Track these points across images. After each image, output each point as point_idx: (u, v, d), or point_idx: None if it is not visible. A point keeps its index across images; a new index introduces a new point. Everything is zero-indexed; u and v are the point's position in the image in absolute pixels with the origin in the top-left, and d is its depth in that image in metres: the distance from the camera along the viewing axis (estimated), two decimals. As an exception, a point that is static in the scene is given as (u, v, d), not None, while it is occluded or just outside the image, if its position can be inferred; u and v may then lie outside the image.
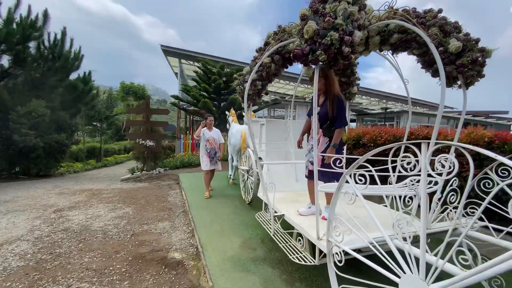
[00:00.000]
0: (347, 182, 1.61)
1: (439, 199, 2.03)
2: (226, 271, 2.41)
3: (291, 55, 1.80)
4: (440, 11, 2.20)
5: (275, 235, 2.66)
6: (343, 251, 1.66)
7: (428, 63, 2.34)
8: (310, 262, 2.09)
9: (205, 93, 10.13)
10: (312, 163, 2.59)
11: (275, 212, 2.68)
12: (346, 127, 2.75)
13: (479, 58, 2.14)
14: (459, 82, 2.30)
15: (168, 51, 12.72)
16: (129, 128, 8.43)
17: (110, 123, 19.58)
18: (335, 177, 2.43)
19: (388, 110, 12.90)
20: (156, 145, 7.83)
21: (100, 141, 14.93)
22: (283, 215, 2.66)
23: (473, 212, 2.21)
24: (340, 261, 1.65)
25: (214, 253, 2.73)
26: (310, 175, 2.64)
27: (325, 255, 2.06)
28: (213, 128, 5.01)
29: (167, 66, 15.72)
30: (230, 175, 6.52)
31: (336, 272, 1.71)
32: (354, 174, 1.57)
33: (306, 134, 2.94)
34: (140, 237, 3.29)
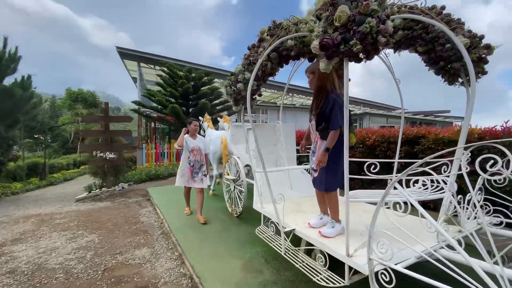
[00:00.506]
0: (395, 188, 1.39)
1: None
2: (237, 304, 2.02)
3: (319, 45, 1.54)
4: (443, 7, 2.16)
5: (287, 254, 2.34)
6: (391, 269, 1.43)
7: (434, 61, 2.28)
8: (339, 283, 1.83)
9: (171, 98, 9.42)
10: (315, 170, 2.36)
11: (284, 227, 2.37)
12: (353, 127, 2.56)
13: (484, 55, 2.13)
14: (460, 80, 2.30)
15: (125, 54, 11.63)
16: (79, 139, 7.35)
17: (56, 135, 17.24)
18: (333, 184, 2.23)
19: (352, 113, 13.67)
20: (118, 157, 6.93)
21: (43, 156, 12.92)
22: (294, 229, 2.37)
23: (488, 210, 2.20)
24: (389, 282, 1.42)
25: (214, 284, 2.31)
26: (314, 183, 2.40)
27: (355, 273, 1.83)
28: (197, 135, 4.21)
29: (119, 71, 14.47)
30: (209, 185, 6.03)
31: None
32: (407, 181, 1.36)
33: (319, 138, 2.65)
34: (116, 271, 2.68)
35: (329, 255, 1.97)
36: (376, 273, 1.52)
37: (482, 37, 2.15)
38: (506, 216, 2.00)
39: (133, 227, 3.99)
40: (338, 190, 2.33)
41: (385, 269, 1.46)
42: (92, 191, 6.67)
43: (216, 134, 5.46)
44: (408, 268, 1.43)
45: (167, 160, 11.17)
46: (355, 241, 2.05)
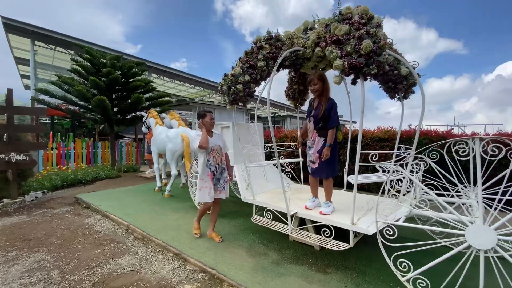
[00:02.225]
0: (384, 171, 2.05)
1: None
2: (266, 281, 2.29)
3: (349, 65, 2.03)
4: (391, 43, 3.07)
5: (293, 233, 2.76)
6: (393, 224, 2.09)
7: (385, 82, 3.16)
8: (346, 246, 2.40)
9: (94, 90, 8.02)
10: (312, 162, 2.89)
11: (291, 212, 2.77)
12: (341, 127, 3.17)
13: (415, 82, 3.14)
14: (397, 96, 3.29)
15: (14, 27, 8.93)
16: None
17: None
18: (332, 172, 2.85)
19: (276, 115, 15.23)
20: (29, 159, 5.49)
21: None
22: (296, 212, 2.81)
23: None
24: (393, 235, 2.07)
25: (234, 271, 2.48)
26: (315, 173, 2.91)
27: (355, 237, 2.44)
28: (213, 131, 3.22)
29: None
30: (159, 187, 5.68)
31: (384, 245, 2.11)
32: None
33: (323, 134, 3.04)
34: (111, 283, 2.41)
35: (333, 227, 2.51)
36: (381, 231, 2.15)
37: (414, 67, 3.16)
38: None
39: (91, 238, 3.45)
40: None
41: (389, 226, 2.10)
42: (-12, 205, 5.04)
43: (174, 131, 5.22)
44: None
45: (73, 163, 9.23)
46: (348, 214, 2.69)
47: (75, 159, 9.10)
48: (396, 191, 3.20)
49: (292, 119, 15.68)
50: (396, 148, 3.30)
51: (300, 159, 4.28)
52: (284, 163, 4.31)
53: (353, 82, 2.23)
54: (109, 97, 8.27)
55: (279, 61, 2.70)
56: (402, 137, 4.22)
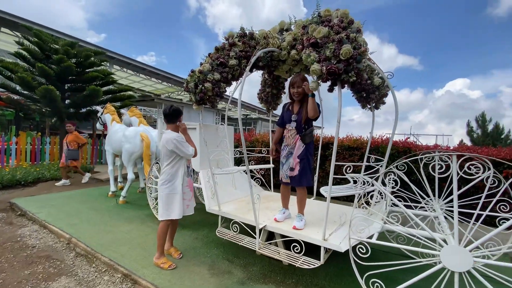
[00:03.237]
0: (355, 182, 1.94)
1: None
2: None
3: (327, 70, 1.87)
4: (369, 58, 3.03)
5: (261, 249, 2.53)
6: (366, 242, 1.97)
7: (358, 91, 3.11)
8: (317, 264, 2.24)
9: (42, 78, 7.02)
10: (291, 169, 2.70)
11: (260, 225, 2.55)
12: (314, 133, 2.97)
13: (387, 93, 3.13)
14: (368, 106, 3.27)
15: None
16: None
17: None
18: (308, 181, 2.69)
19: (248, 117, 14.98)
20: None
21: None
22: (265, 226, 2.59)
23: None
24: (365, 253, 1.95)
25: (192, 294, 2.17)
26: (293, 181, 2.72)
27: (325, 252, 2.30)
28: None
29: None
30: (114, 191, 5.10)
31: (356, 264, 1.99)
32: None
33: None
34: (37, 317, 1.95)
35: (304, 242, 2.34)
36: (354, 248, 2.02)
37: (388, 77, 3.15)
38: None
39: (21, 255, 2.87)
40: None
41: (361, 244, 1.98)
42: None
43: (133, 130, 4.70)
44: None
45: (14, 160, 8.01)
46: (319, 227, 2.55)
47: (17, 156, 7.89)
48: (365, 201, 3.18)
49: (264, 122, 15.61)
50: (365, 158, 3.27)
51: (271, 165, 4.10)
52: (254, 169, 4.09)
53: (330, 89, 2.09)
54: (61, 88, 7.33)
55: (252, 60, 2.48)
56: (371, 146, 4.27)
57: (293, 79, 2.74)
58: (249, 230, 2.71)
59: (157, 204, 3.95)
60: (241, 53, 2.72)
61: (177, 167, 2.66)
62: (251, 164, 4.22)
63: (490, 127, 15.71)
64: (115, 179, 5.35)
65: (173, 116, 2.67)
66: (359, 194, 2.28)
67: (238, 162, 5.36)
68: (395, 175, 2.65)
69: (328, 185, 2.55)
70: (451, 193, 2.25)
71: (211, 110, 14.02)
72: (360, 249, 1.98)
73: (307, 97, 2.52)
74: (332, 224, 2.48)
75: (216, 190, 3.01)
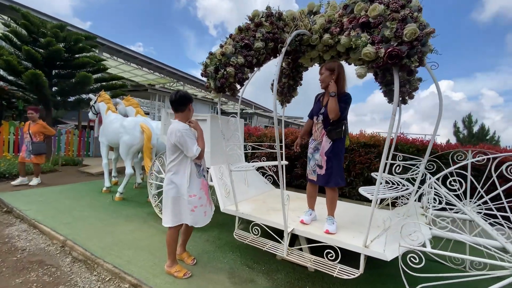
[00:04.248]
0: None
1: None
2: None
3: (388, 54, 1.60)
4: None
5: (288, 255, 2.26)
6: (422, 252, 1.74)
7: (387, 83, 2.88)
8: (354, 274, 2.00)
9: (28, 62, 6.41)
10: (319, 167, 2.44)
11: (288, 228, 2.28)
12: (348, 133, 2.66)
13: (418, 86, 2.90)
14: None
15: None
16: None
17: None
18: (341, 180, 2.43)
19: (244, 111, 14.62)
20: None
21: None
22: (293, 229, 2.33)
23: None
24: (419, 263, 1.72)
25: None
26: (320, 180, 2.46)
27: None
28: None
29: None
30: (108, 187, 4.71)
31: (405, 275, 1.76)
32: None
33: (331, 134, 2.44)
34: None
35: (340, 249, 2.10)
36: (403, 257, 1.80)
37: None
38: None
39: (11, 259, 2.48)
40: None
41: (414, 253, 1.76)
42: None
43: (132, 121, 4.29)
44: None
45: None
46: (353, 231, 2.31)
47: (-1, 148, 7.27)
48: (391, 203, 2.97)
49: (260, 117, 15.33)
50: (390, 156, 3.04)
51: (284, 162, 3.83)
52: (266, 166, 3.80)
53: (382, 77, 1.82)
54: (48, 74, 6.74)
55: (288, 40, 2.18)
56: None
57: (324, 65, 2.48)
58: (271, 233, 2.43)
59: (160, 202, 3.62)
60: (269, 35, 2.41)
61: (184, 165, 2.22)
62: (262, 161, 3.94)
63: (476, 128, 16.14)
64: (110, 173, 4.93)
65: (180, 103, 2.26)
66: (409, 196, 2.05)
67: (247, 158, 5.06)
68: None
69: (365, 186, 2.33)
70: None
71: (206, 103, 13.55)
72: (412, 258, 1.75)
73: (341, 92, 2.27)
74: (375, 229, 2.21)
75: (233, 189, 2.72)
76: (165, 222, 2.23)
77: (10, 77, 6.47)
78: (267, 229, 2.48)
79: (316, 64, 3.08)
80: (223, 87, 2.44)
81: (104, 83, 7.98)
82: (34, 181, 5.09)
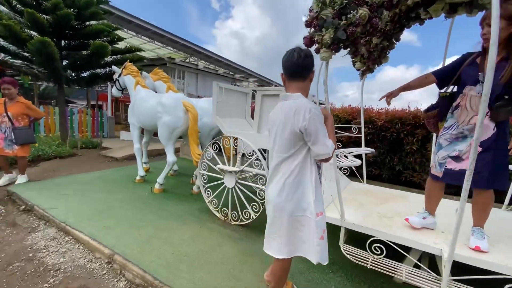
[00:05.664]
0: None
1: None
2: None
3: None
4: None
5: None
6: None
7: None
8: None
9: (32, 31, 5.51)
10: (460, 159, 1.71)
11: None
12: None
13: None
14: None
15: None
16: None
17: None
18: (503, 181, 1.70)
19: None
20: None
21: None
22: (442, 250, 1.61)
23: None
24: None
25: None
26: (444, 176, 1.77)
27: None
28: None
29: None
30: (142, 176, 4.04)
31: None
32: None
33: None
34: None
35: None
36: None
37: None
38: None
39: (41, 286, 1.83)
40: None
41: None
42: None
43: (171, 98, 3.49)
44: None
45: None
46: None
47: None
48: None
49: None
50: None
51: (370, 150, 3.07)
52: (348, 153, 3.01)
53: None
54: (56, 45, 5.85)
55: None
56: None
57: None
58: (399, 249, 1.72)
59: (215, 197, 2.93)
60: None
61: (306, 167, 1.40)
62: (338, 148, 3.19)
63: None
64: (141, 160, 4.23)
65: (305, 66, 1.42)
66: None
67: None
68: None
69: None
70: None
71: (226, 79, 12.54)
72: None
73: None
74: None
75: (339, 189, 1.99)
76: (277, 252, 1.45)
77: (12, 46, 5.59)
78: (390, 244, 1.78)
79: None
80: (347, 40, 1.61)
81: (119, 56, 7.08)
82: (20, 179, 3.80)
